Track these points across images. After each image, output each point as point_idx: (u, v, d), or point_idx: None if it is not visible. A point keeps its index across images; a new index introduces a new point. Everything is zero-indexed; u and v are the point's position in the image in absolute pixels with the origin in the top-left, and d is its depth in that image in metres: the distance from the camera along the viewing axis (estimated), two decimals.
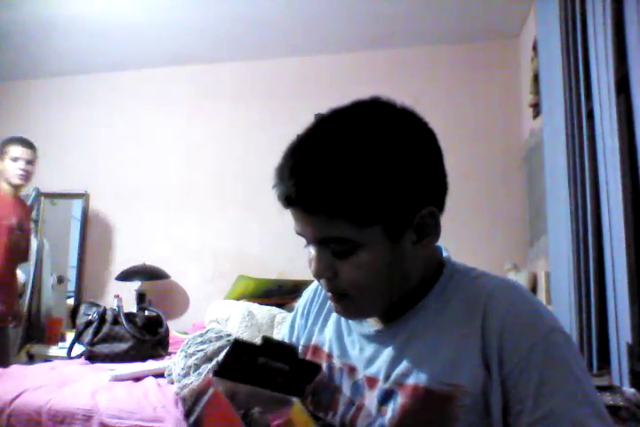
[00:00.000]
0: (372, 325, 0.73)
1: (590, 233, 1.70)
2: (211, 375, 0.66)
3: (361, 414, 0.69)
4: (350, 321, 0.76)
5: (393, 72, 3.19)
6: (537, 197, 2.52)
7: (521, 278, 2.59)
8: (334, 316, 0.78)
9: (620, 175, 1.49)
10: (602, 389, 1.26)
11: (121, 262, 3.27)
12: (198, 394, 0.68)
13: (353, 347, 0.74)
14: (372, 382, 0.69)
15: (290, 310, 2.39)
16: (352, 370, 0.72)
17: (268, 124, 3.31)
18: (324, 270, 0.66)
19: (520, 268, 2.67)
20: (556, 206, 1.97)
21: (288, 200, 0.63)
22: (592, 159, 1.71)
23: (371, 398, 0.68)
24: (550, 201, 2.09)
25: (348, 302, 0.68)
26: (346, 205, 0.60)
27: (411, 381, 0.64)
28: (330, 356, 0.76)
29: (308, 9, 2.76)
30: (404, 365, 0.66)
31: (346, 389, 0.72)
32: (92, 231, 3.54)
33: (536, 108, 2.52)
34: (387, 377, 0.67)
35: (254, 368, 0.63)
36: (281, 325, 2.22)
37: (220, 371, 0.63)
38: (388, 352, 0.69)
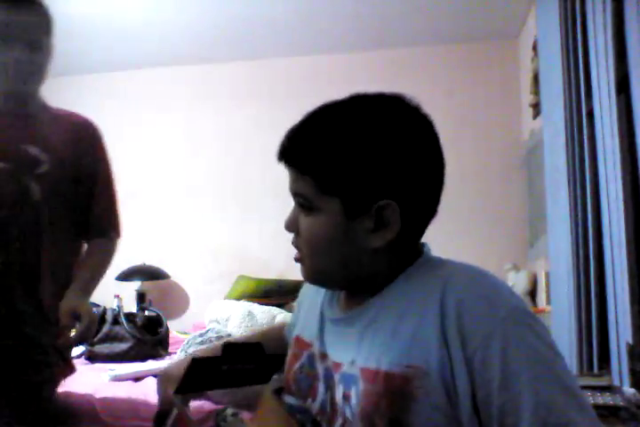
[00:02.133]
0: (338, 311, 0.76)
1: (590, 233, 1.70)
2: (171, 394, 0.66)
3: (336, 399, 0.69)
4: (325, 308, 0.79)
5: (393, 72, 3.18)
6: (537, 197, 2.52)
7: (521, 278, 2.59)
8: (319, 306, 0.81)
9: (620, 175, 1.49)
10: (602, 389, 1.26)
11: (121, 262, 3.26)
12: (159, 416, 0.67)
13: (326, 334, 0.76)
14: (337, 367, 0.70)
15: (290, 310, 2.39)
16: (323, 356, 0.74)
17: (267, 124, 3.30)
18: (290, 224, 0.74)
19: (520, 268, 2.67)
20: (556, 206, 1.97)
21: (278, 154, 0.71)
22: (592, 159, 1.71)
23: (338, 383, 0.69)
24: (550, 201, 2.09)
25: (305, 262, 0.73)
26: (313, 166, 0.68)
27: (372, 366, 0.65)
28: (310, 345, 0.77)
29: (308, 9, 2.76)
30: (364, 350, 0.67)
31: (321, 375, 0.73)
32: None
33: (536, 108, 2.52)
34: (351, 362, 0.68)
35: (219, 376, 0.63)
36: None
37: (181, 388, 0.63)
38: (348, 338, 0.70)
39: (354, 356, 0.68)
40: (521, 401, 0.57)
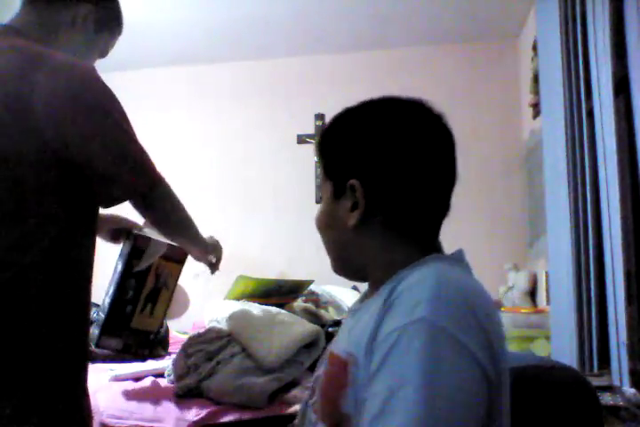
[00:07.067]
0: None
1: (590, 233, 1.70)
2: None
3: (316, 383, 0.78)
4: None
5: (393, 72, 3.18)
6: (537, 197, 2.52)
7: (521, 278, 2.58)
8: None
9: (620, 175, 1.50)
10: (602, 389, 1.27)
11: None
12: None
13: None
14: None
15: (290, 310, 2.39)
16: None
17: (268, 124, 3.31)
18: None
19: (520, 268, 2.67)
20: (556, 206, 1.97)
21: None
22: (592, 159, 1.71)
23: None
24: (550, 201, 2.09)
25: None
26: (322, 157, 0.80)
27: (335, 351, 0.72)
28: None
29: (308, 9, 2.76)
30: (338, 338, 0.77)
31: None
32: None
33: (536, 108, 2.52)
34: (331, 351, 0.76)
35: None
36: (281, 325, 2.21)
37: None
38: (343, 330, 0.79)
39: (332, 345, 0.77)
40: (371, 405, 0.58)
